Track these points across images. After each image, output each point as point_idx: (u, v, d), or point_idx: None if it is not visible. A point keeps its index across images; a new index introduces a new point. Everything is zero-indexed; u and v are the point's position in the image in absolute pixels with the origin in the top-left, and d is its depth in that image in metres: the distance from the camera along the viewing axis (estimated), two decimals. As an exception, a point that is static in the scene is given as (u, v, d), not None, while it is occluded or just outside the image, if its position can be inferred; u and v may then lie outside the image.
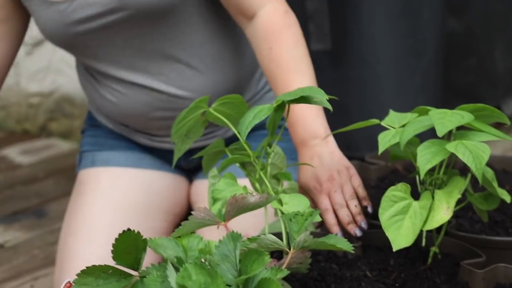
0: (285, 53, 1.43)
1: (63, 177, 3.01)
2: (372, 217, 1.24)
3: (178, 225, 1.78)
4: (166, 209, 1.76)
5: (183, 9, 1.55)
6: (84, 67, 1.74)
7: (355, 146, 2.36)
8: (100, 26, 1.55)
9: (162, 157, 1.78)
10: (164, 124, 1.67)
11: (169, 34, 1.58)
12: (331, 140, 1.35)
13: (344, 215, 1.26)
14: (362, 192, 1.30)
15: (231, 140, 1.66)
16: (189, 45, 1.61)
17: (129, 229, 0.93)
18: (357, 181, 1.31)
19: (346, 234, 1.25)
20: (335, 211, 1.28)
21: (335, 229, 1.26)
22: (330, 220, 1.27)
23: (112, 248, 0.94)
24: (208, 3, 1.58)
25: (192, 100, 1.57)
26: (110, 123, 1.79)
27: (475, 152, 0.98)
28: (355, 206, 1.27)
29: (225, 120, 1.17)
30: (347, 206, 1.28)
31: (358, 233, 1.25)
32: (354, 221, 1.26)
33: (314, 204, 1.31)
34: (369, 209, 1.29)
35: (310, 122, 1.36)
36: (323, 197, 1.30)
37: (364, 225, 1.26)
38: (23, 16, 1.66)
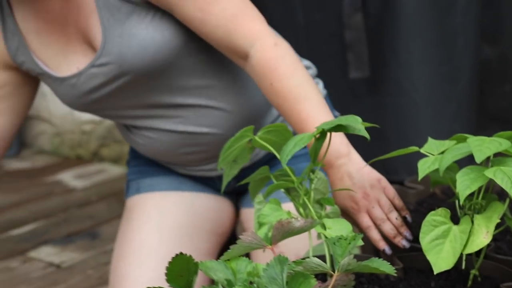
0: (286, 85, 1.41)
1: (114, 200, 3.03)
2: (413, 241, 1.23)
3: (221, 245, 1.80)
4: (210, 230, 1.78)
5: (181, 61, 1.57)
6: None
7: (393, 170, 2.35)
8: (108, 91, 1.59)
9: (201, 180, 1.79)
10: (192, 157, 1.72)
11: (174, 85, 1.60)
12: (355, 156, 1.33)
13: (388, 229, 1.25)
14: (398, 202, 1.29)
15: (266, 159, 1.69)
16: (197, 88, 1.63)
17: (181, 253, 0.93)
18: (391, 192, 1.29)
19: (393, 246, 1.23)
20: (378, 226, 1.26)
21: (382, 244, 1.24)
22: (375, 236, 1.25)
23: (163, 271, 0.94)
24: (205, 48, 1.57)
25: (212, 134, 1.63)
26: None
27: (513, 178, 0.97)
28: (396, 218, 1.25)
29: (269, 147, 1.17)
30: (388, 219, 1.26)
31: (406, 244, 1.23)
32: (399, 233, 1.25)
33: (355, 224, 1.30)
34: (409, 219, 1.27)
35: (331, 143, 1.36)
36: (362, 215, 1.28)
37: (409, 236, 1.24)
38: (27, 91, 1.71)
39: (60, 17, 1.58)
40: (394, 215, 1.26)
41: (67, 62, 1.60)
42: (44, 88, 3.12)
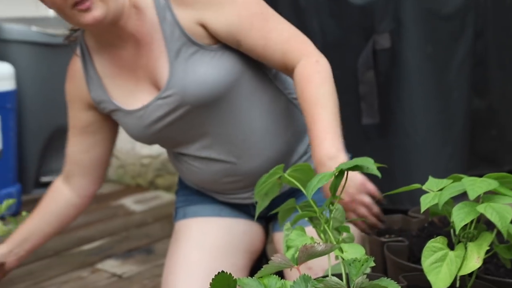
0: (313, 92, 1.45)
1: (166, 222, 3.04)
2: (416, 262, 1.21)
3: (253, 261, 1.80)
4: (244, 249, 1.78)
5: (235, 92, 1.58)
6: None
7: (398, 200, 2.33)
8: (169, 121, 1.60)
9: (238, 207, 1.79)
10: (231, 186, 1.72)
11: (227, 117, 1.60)
12: (343, 160, 1.34)
13: (372, 220, 1.34)
14: (377, 194, 1.35)
15: (290, 191, 1.70)
16: (247, 121, 1.62)
17: (222, 271, 0.93)
18: (373, 189, 1.35)
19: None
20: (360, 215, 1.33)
21: (366, 229, 1.34)
22: (361, 226, 1.35)
23: (205, 284, 0.94)
24: (257, 75, 1.60)
25: (250, 167, 1.62)
26: (194, 186, 1.82)
27: (501, 213, 0.96)
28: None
29: (297, 183, 1.17)
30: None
31: (382, 226, 1.33)
32: (379, 220, 1.33)
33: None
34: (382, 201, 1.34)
35: (326, 144, 1.37)
36: (349, 214, 1.33)
37: (383, 218, 1.33)
38: (112, 127, 1.73)
39: (131, 62, 1.59)
40: (375, 208, 1.32)
41: (135, 98, 1.61)
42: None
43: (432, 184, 1.12)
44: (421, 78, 2.37)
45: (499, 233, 1.06)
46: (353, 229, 1.23)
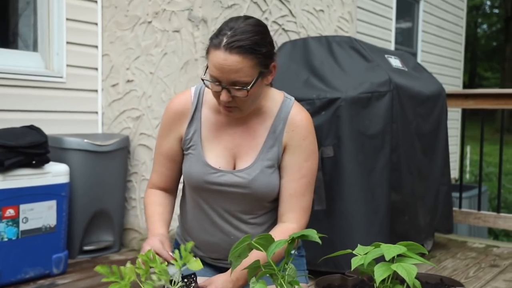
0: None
1: None
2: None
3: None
4: None
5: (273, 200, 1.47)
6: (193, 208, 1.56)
7: (339, 265, 2.24)
8: (222, 190, 1.43)
9: (219, 269, 1.58)
10: (217, 251, 1.53)
11: (255, 207, 1.47)
12: None
13: None
14: None
15: None
16: (259, 212, 1.49)
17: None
18: None
19: None
20: None
21: None
22: None
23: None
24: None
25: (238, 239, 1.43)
26: (186, 234, 1.62)
27: (408, 270, 0.90)
28: None
29: (261, 248, 1.09)
30: None
31: None
32: None
33: None
34: None
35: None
36: None
37: None
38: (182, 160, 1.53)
39: (231, 135, 1.45)
40: None
41: (216, 158, 1.44)
42: (137, 211, 3.06)
43: (360, 249, 1.06)
44: (355, 178, 2.35)
45: (408, 286, 1.00)
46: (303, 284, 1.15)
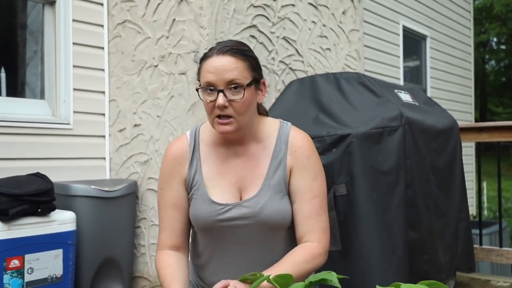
0: (294, 257, 1.32)
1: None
2: None
3: None
4: None
5: (289, 228, 1.43)
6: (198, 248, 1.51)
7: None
8: (236, 224, 1.39)
9: None
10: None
11: (270, 239, 1.42)
12: None
13: None
14: None
15: None
16: (274, 247, 1.45)
17: None
18: None
19: None
20: None
21: None
22: None
23: None
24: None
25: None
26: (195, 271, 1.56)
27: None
28: None
29: (277, 286, 1.04)
30: None
31: None
32: None
33: None
34: None
35: None
36: None
37: None
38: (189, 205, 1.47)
39: (233, 168, 1.42)
40: None
41: (221, 194, 1.41)
42: (146, 258, 2.99)
43: (379, 289, 1.00)
44: (370, 216, 2.29)
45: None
46: None
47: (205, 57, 1.37)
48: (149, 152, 3.00)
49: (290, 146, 1.43)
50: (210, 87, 1.34)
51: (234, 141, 1.43)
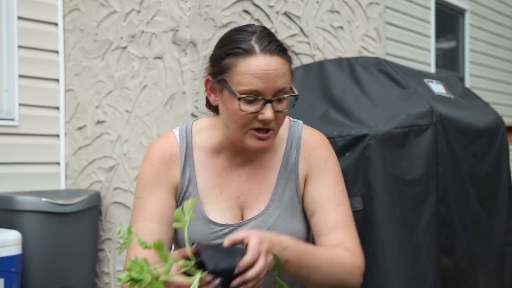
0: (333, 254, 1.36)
1: None
2: None
3: None
4: None
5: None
6: None
7: None
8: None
9: None
10: None
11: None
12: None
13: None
14: None
15: None
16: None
17: None
18: None
19: None
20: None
21: None
22: None
23: None
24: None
25: None
26: None
27: None
28: None
29: None
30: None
31: None
32: None
33: None
34: None
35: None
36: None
37: None
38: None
39: (235, 182, 1.44)
40: None
41: (220, 213, 1.42)
42: (110, 291, 3.01)
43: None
44: (392, 238, 2.31)
45: None
46: None
47: (241, 54, 1.33)
48: (115, 156, 3.01)
49: (303, 150, 1.45)
50: (252, 96, 1.33)
51: (241, 149, 1.44)
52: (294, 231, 1.41)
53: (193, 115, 2.75)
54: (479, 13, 7.06)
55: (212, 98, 1.42)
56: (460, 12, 6.80)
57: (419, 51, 6.01)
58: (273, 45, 1.34)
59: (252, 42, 1.33)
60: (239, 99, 1.32)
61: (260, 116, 1.33)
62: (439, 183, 2.41)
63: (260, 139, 1.35)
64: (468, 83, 6.82)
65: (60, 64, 3.19)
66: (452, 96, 2.85)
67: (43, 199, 2.75)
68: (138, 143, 2.92)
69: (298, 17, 3.30)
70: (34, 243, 2.69)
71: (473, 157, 2.73)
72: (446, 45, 6.84)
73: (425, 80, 2.80)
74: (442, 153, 2.43)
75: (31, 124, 3.09)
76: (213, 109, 1.50)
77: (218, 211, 1.42)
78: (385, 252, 2.29)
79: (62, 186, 3.18)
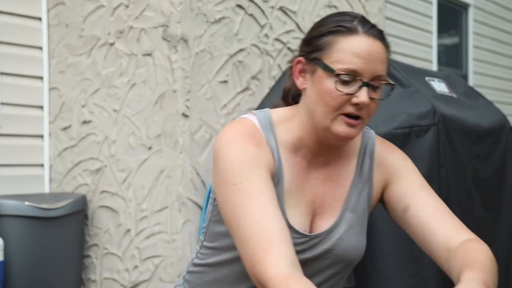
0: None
1: None
2: None
3: None
4: None
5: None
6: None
7: None
8: (301, 259, 1.28)
9: None
10: None
11: (331, 279, 1.43)
12: None
13: None
14: None
15: None
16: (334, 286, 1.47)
17: None
18: None
19: None
20: None
21: None
22: None
23: None
24: None
25: None
26: None
27: None
28: None
29: None
30: None
31: None
32: None
33: None
34: None
35: None
36: None
37: None
38: None
39: (313, 185, 1.39)
40: None
41: (299, 218, 1.37)
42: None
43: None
44: (393, 244, 2.32)
45: None
46: None
47: (343, 31, 1.31)
48: (102, 157, 3.01)
49: (377, 157, 1.44)
50: (350, 75, 1.30)
51: (321, 148, 1.39)
52: (361, 243, 1.40)
53: (184, 115, 2.75)
54: (483, 8, 7.07)
55: (299, 81, 1.37)
56: (464, 6, 6.81)
57: (421, 48, 6.02)
58: (376, 30, 1.33)
59: (355, 23, 1.32)
60: (337, 75, 1.29)
61: (355, 99, 1.30)
62: (441, 186, 2.41)
63: (350, 125, 1.31)
64: (471, 81, 6.83)
65: (44, 61, 3.19)
66: (455, 95, 2.86)
67: (26, 203, 2.74)
68: (127, 144, 2.92)
69: (294, 12, 3.31)
70: (16, 249, 2.69)
71: (477, 158, 2.74)
72: (449, 41, 6.86)
73: (426, 78, 2.81)
74: (444, 154, 2.44)
75: (13, 124, 3.09)
76: (291, 99, 1.47)
77: (298, 216, 1.37)
78: (385, 258, 2.30)
79: (46, 189, 3.18)
